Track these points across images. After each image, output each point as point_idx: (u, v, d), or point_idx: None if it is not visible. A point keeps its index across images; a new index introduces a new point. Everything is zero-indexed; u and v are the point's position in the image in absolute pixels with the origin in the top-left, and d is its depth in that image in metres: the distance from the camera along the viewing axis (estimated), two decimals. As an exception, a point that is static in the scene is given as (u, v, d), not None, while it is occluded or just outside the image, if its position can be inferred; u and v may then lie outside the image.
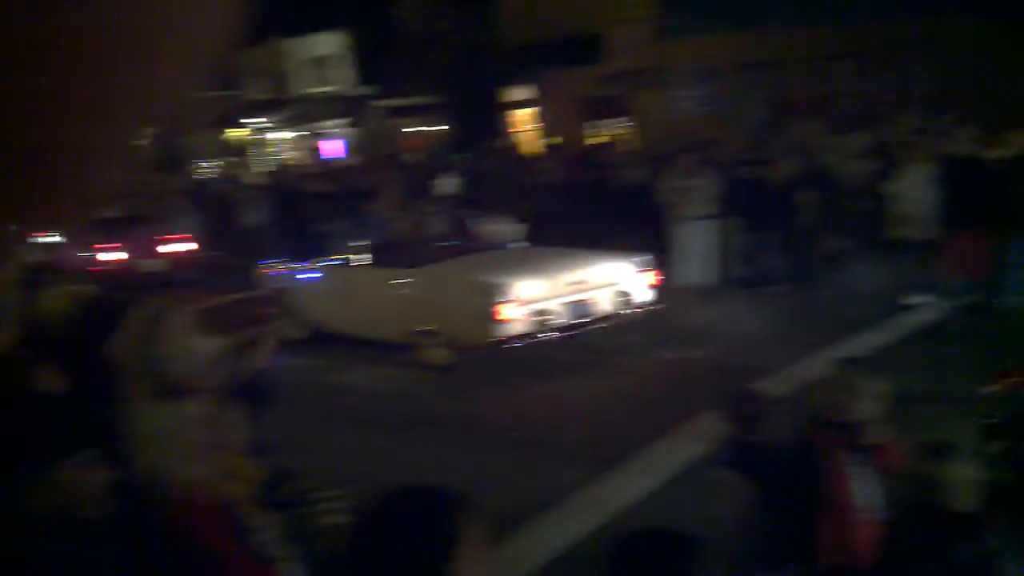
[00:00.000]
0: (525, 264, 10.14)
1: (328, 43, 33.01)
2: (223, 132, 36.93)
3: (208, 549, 2.86)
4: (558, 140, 21.18)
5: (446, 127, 24.73)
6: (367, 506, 1.87)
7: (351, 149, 30.66)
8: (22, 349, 3.66)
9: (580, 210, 14.05)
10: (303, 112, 33.34)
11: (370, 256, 10.85)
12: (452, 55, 22.07)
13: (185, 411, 2.98)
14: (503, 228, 11.86)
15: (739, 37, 19.86)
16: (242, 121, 35.25)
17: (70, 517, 2.24)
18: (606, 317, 9.87)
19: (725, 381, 5.78)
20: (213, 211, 19.41)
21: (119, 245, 16.54)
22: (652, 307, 10.20)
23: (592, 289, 9.77)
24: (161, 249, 16.83)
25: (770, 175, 12.42)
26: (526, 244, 11.73)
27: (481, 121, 21.90)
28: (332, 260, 11.23)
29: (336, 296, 10.87)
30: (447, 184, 15.96)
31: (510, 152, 19.86)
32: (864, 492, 3.75)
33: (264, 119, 34.57)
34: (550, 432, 7.89)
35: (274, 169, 27.96)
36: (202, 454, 2.99)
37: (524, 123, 26.38)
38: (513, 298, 9.17)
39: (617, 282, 9.99)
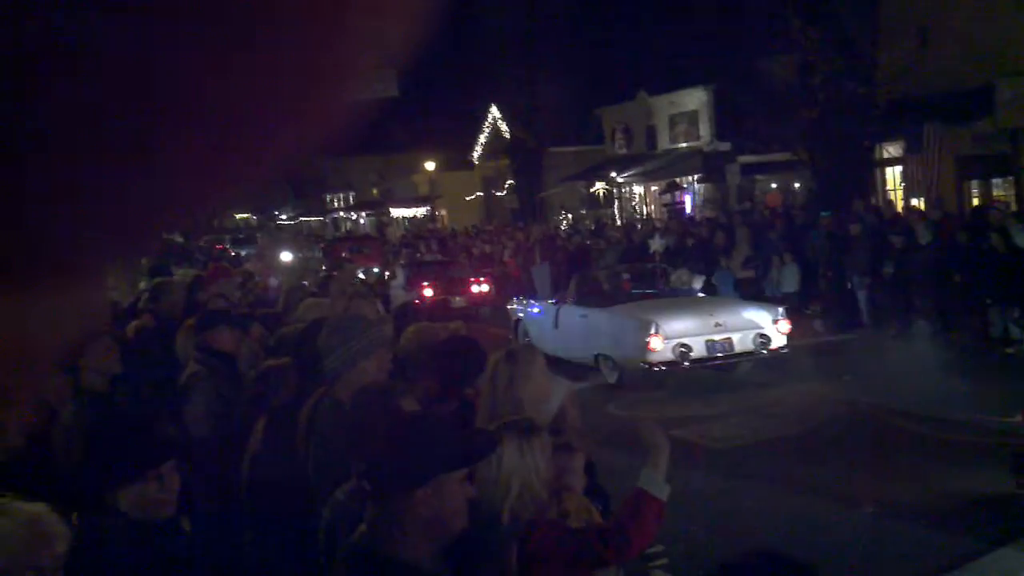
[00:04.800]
0: (680, 308, 12.38)
1: (692, 99, 33.40)
2: (587, 185, 38.54)
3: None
4: (931, 199, 19.81)
5: (809, 184, 24.01)
6: (710, 571, 1.78)
7: (708, 204, 30.67)
8: (391, 376, 4.03)
9: (953, 274, 13.01)
10: (663, 167, 33.90)
11: (577, 296, 13.53)
12: (822, 110, 21.37)
13: (540, 451, 3.11)
14: (688, 279, 14.72)
15: None
16: (605, 175, 36.53)
17: (439, 527, 2.43)
18: (740, 355, 11.72)
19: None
20: (567, 260, 20.49)
21: (433, 284, 19.88)
22: (784, 352, 11.85)
23: (731, 331, 11.62)
24: (465, 289, 20.08)
25: None
26: (701, 294, 14.35)
27: (849, 179, 20.98)
28: (554, 299, 14.08)
29: (551, 326, 13.60)
30: (657, 243, 18.23)
31: (878, 211, 18.86)
32: None
33: (625, 173, 35.57)
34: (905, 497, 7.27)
35: (627, 222, 28.75)
36: (553, 493, 3.11)
37: (895, 181, 24.98)
38: (659, 332, 11.28)
39: (754, 327, 11.76)
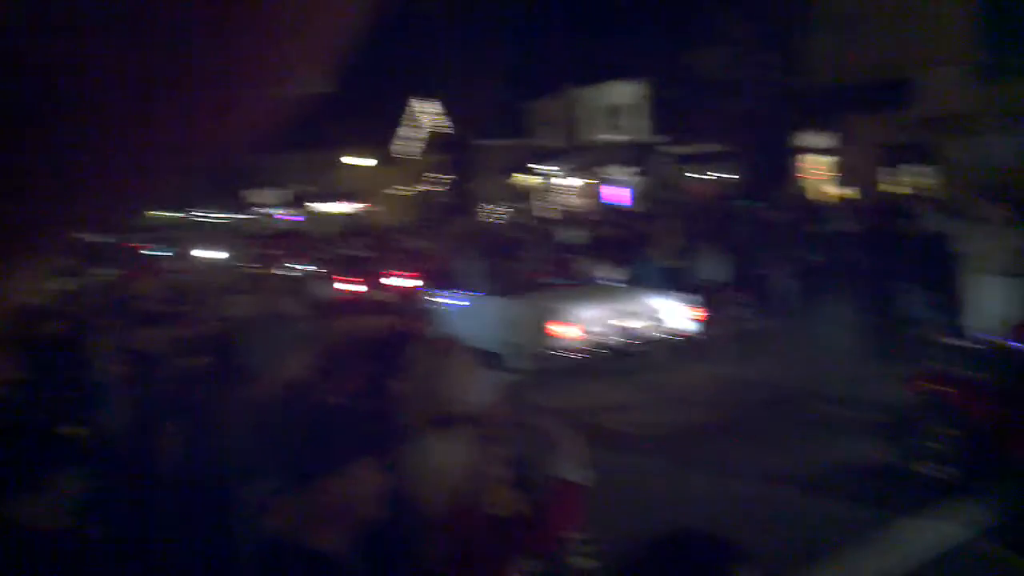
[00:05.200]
0: (589, 296, 12.73)
1: (622, 92, 33.62)
2: (512, 178, 38.60)
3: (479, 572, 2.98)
4: (852, 188, 20.31)
5: (737, 174, 24.40)
6: (633, 553, 1.76)
7: (636, 196, 30.97)
8: (313, 372, 3.99)
9: (869, 260, 13.40)
10: (593, 159, 34.10)
11: (492, 287, 13.72)
12: (748, 102, 21.73)
13: (464, 442, 3.11)
14: (591, 269, 15.24)
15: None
16: (533, 168, 36.61)
17: (349, 516, 2.43)
18: (647, 342, 12.07)
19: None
20: (493, 252, 20.63)
21: (356, 278, 19.62)
22: (694, 338, 12.31)
23: (638, 318, 12.04)
24: (389, 283, 19.60)
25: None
26: (614, 283, 14.40)
27: (774, 169, 21.39)
28: (473, 290, 14.07)
29: (467, 316, 13.33)
30: (574, 235, 18.86)
31: (801, 200, 19.29)
32: None
33: (554, 166, 35.69)
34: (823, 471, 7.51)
35: (556, 215, 28.93)
36: (474, 483, 3.11)
37: (819, 170, 25.53)
38: (566, 320, 11.67)
39: (662, 314, 12.24)
